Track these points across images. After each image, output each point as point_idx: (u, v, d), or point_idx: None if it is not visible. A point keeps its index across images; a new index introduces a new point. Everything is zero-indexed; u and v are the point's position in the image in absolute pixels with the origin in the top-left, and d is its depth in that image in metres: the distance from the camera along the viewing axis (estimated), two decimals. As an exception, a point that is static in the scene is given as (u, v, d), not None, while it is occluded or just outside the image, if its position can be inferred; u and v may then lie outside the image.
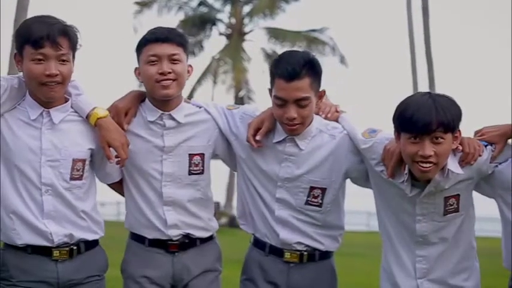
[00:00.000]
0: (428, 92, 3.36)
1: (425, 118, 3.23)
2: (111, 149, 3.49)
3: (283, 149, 3.63)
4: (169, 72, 3.57)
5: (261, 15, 32.67)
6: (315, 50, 31.94)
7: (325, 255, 3.74)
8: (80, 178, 3.46)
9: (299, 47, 32.03)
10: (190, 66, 3.70)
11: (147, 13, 33.00)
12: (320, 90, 3.59)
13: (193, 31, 33.00)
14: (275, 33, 32.79)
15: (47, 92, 3.38)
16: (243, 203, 3.82)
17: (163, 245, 3.69)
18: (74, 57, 3.47)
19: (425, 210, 3.45)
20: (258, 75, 28.21)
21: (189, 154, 3.69)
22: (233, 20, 33.41)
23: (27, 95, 3.47)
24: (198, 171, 3.71)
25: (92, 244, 3.55)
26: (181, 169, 3.68)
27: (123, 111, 3.66)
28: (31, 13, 21.91)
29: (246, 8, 33.54)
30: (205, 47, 33.50)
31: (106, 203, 37.64)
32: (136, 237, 3.73)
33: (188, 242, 3.72)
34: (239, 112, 3.76)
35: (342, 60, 32.09)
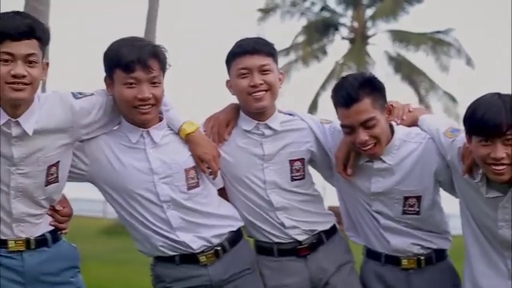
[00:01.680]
0: (498, 93, 3.25)
1: (495, 120, 3.14)
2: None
3: (371, 166, 3.61)
4: (261, 84, 3.58)
5: (384, 18, 32.30)
6: (440, 51, 31.36)
7: (441, 256, 3.71)
8: (197, 185, 3.51)
9: (423, 49, 31.54)
10: (281, 73, 3.71)
11: (270, 20, 33.28)
12: (387, 103, 3.55)
13: (316, 36, 33.00)
14: (399, 36, 32.35)
15: (140, 115, 3.40)
16: (348, 215, 3.82)
17: (293, 251, 3.71)
18: (163, 77, 3.47)
19: (507, 215, 3.33)
20: (383, 78, 27.82)
21: (290, 160, 3.70)
22: (356, 24, 33.16)
23: (123, 121, 3.49)
24: (300, 177, 3.73)
25: (234, 239, 3.59)
26: (283, 176, 3.70)
27: (224, 123, 3.70)
28: (159, 24, 22.59)
29: (369, 12, 33.25)
30: (329, 52, 33.40)
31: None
32: (262, 250, 3.75)
33: (316, 242, 3.73)
34: (330, 128, 3.76)
35: (468, 62, 31.32)
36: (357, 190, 3.69)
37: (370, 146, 3.51)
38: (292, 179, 3.71)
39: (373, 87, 3.52)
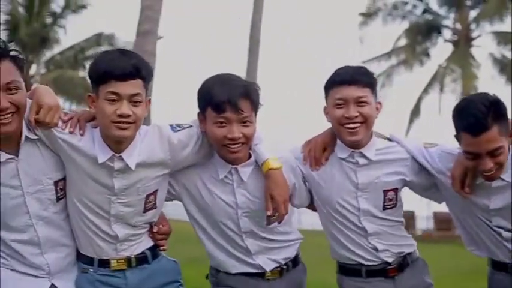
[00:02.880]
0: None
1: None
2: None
3: (490, 184, 3.60)
4: (356, 116, 3.55)
5: (488, 19, 31.65)
6: (547, 53, 30.53)
7: None
8: (276, 221, 3.55)
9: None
10: (379, 103, 3.66)
11: (371, 24, 33.12)
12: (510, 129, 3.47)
13: (419, 39, 32.65)
14: (504, 37, 31.62)
15: (230, 153, 3.44)
16: (466, 231, 3.84)
17: (382, 272, 3.78)
18: (256, 115, 3.47)
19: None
20: (487, 81, 27.28)
21: (384, 190, 3.72)
22: (459, 26, 32.62)
23: (215, 154, 3.53)
24: (392, 206, 3.76)
25: (296, 261, 3.74)
26: (376, 205, 3.73)
27: (322, 147, 3.72)
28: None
29: (473, 13, 32.66)
30: (432, 55, 32.98)
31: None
32: (349, 271, 3.82)
33: (403, 263, 3.80)
34: (437, 151, 3.72)
35: None
36: (475, 207, 3.68)
37: (493, 173, 3.49)
38: (384, 208, 3.74)
39: (500, 112, 3.41)
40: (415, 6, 33.55)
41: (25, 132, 3.23)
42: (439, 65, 32.53)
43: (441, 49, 32.20)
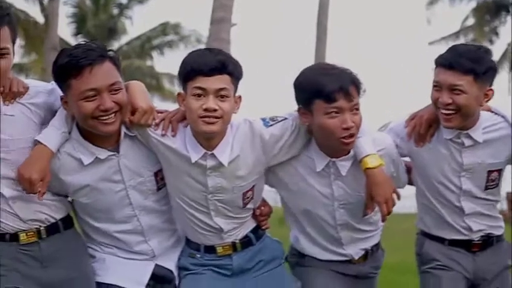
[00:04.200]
0: None
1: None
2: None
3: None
4: (449, 103, 3.47)
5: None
6: None
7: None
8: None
9: None
10: (490, 90, 3.56)
11: (439, 4, 32.67)
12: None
13: (487, 18, 32.09)
14: None
15: (343, 145, 3.37)
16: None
17: (465, 244, 3.76)
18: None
19: None
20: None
21: (488, 171, 3.67)
22: (529, 4, 31.98)
23: (311, 147, 3.48)
24: (493, 186, 3.72)
25: (379, 246, 3.79)
26: (478, 186, 3.68)
27: (427, 123, 3.63)
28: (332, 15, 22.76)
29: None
30: (501, 34, 32.36)
31: (403, 197, 38.05)
32: (434, 237, 3.81)
33: (488, 243, 3.77)
34: None
35: None
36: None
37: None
38: (486, 188, 3.70)
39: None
40: (483, -16, 33.00)
41: (124, 129, 3.33)
42: (508, 44, 31.94)
43: (510, 28, 31.45)
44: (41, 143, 3.25)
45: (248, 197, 3.46)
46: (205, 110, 3.20)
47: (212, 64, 3.22)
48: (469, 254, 3.75)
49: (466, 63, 3.44)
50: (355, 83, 3.34)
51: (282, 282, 3.58)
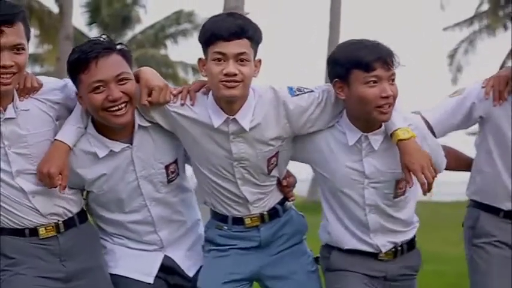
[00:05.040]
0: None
1: None
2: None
3: None
4: None
5: None
6: None
7: None
8: (402, 194, 3.54)
9: None
10: None
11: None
12: None
13: (502, 3, 31.88)
14: None
15: (382, 114, 3.38)
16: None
17: None
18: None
19: None
20: None
21: None
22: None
23: (342, 120, 3.49)
24: None
25: (412, 244, 3.68)
26: None
27: (505, 80, 3.71)
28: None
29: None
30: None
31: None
32: (487, 208, 3.83)
33: None
34: None
35: None
36: None
37: None
38: None
39: None
40: (497, -31, 32.80)
41: (138, 121, 3.41)
42: (523, 29, 31.75)
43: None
44: (58, 140, 3.36)
45: (272, 163, 3.49)
46: (226, 74, 3.25)
47: (232, 29, 3.26)
48: None
49: None
50: (392, 55, 3.40)
51: (301, 261, 3.62)
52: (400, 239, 3.62)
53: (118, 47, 3.37)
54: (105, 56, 3.30)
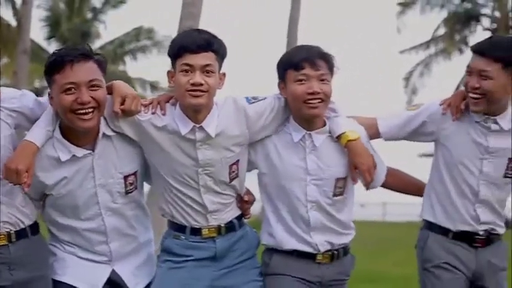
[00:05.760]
0: None
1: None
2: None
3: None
4: (477, 88, 3.72)
5: (528, 6, 31.43)
6: None
7: None
8: (341, 194, 3.71)
9: None
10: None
11: (410, 13, 33.06)
12: None
13: (458, 28, 32.51)
14: (544, 25, 31.41)
15: (309, 109, 3.61)
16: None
17: (469, 239, 3.90)
18: (332, 77, 3.66)
19: None
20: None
21: (509, 158, 3.86)
22: (498, 14, 32.41)
23: (291, 120, 3.71)
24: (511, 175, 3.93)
25: (347, 250, 3.81)
26: (498, 172, 3.87)
27: (461, 97, 3.87)
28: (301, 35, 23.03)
29: (512, 1, 32.45)
30: (471, 43, 32.75)
31: (370, 204, 38.09)
32: (438, 229, 3.94)
33: (491, 238, 3.92)
34: None
35: None
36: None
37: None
38: (505, 176, 3.89)
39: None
40: (454, -6, 33.41)
41: (102, 129, 3.53)
42: (478, 54, 32.23)
43: (480, 37, 31.87)
44: (27, 140, 3.45)
45: (234, 171, 3.66)
46: (193, 84, 3.44)
47: (199, 42, 3.47)
48: (471, 250, 3.90)
49: (497, 51, 3.71)
50: (323, 57, 3.65)
51: (251, 273, 3.74)
52: (338, 240, 3.75)
53: (96, 56, 3.51)
54: (82, 61, 3.44)
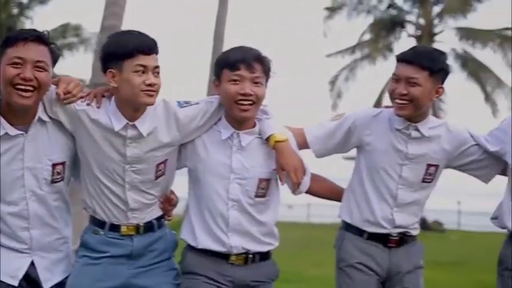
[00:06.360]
0: None
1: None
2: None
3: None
4: (405, 94, 3.93)
5: (452, 15, 32.10)
6: (507, 48, 31.04)
7: None
8: (263, 195, 3.81)
9: (491, 47, 31.27)
10: (441, 88, 4.02)
11: (336, 18, 33.46)
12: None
13: (383, 34, 32.99)
14: (466, 33, 32.08)
15: (240, 111, 3.73)
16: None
17: (383, 239, 4.11)
18: (267, 81, 3.80)
19: None
20: (449, 76, 27.53)
21: (427, 164, 4.08)
22: (422, 21, 33.07)
23: (223, 118, 3.83)
24: (430, 180, 4.15)
25: (266, 257, 3.90)
26: (416, 176, 4.09)
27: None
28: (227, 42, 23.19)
29: (436, 9, 33.09)
30: (395, 49, 33.36)
31: (296, 205, 38.40)
32: (355, 230, 4.14)
33: (404, 239, 4.13)
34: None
35: (537, 57, 30.85)
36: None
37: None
38: (423, 181, 4.10)
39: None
40: (380, 1, 33.82)
41: (39, 113, 3.62)
42: (402, 60, 32.71)
43: (404, 44, 32.51)
44: None
45: (160, 170, 3.76)
46: (149, 85, 3.55)
47: (151, 44, 3.59)
48: (385, 250, 4.10)
49: (424, 60, 3.93)
50: (260, 60, 3.77)
51: (167, 275, 3.84)
52: (254, 248, 3.82)
53: (52, 45, 3.62)
54: (36, 42, 3.55)
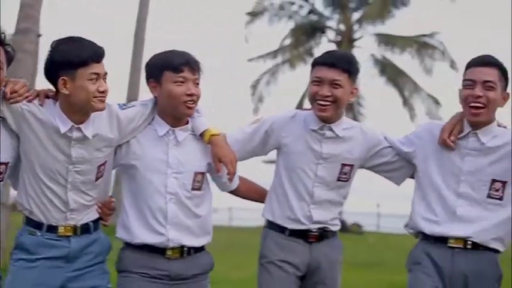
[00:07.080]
0: None
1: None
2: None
3: (465, 144, 4.14)
4: (328, 96, 4.09)
5: (371, 21, 32.68)
6: (424, 54, 31.80)
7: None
8: (198, 189, 3.98)
9: (409, 52, 31.99)
10: (355, 89, 4.19)
11: (258, 23, 33.66)
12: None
13: (303, 39, 33.34)
14: (384, 39, 32.73)
15: (188, 109, 3.91)
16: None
17: (304, 235, 4.24)
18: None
19: None
20: (368, 80, 28.13)
21: (342, 164, 4.25)
22: (342, 27, 33.56)
23: (156, 116, 3.98)
24: (345, 179, 4.30)
25: (201, 250, 4.03)
26: (331, 175, 4.24)
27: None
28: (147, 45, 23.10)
29: (356, 15, 33.65)
30: (315, 54, 33.68)
31: (218, 209, 38.49)
32: (277, 227, 4.27)
33: (324, 235, 4.27)
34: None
35: (452, 65, 31.68)
36: (451, 166, 4.15)
37: (481, 105, 4.07)
38: (338, 179, 4.26)
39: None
40: (301, 6, 34.25)
41: None
42: (322, 65, 33.04)
43: (325, 49, 32.73)
44: None
45: (101, 171, 3.86)
46: (102, 92, 3.68)
47: (102, 53, 3.71)
48: (306, 245, 4.23)
49: (344, 63, 4.14)
50: (197, 63, 3.96)
51: (102, 278, 3.90)
52: (191, 242, 3.96)
53: (6, 46, 3.68)
54: None
